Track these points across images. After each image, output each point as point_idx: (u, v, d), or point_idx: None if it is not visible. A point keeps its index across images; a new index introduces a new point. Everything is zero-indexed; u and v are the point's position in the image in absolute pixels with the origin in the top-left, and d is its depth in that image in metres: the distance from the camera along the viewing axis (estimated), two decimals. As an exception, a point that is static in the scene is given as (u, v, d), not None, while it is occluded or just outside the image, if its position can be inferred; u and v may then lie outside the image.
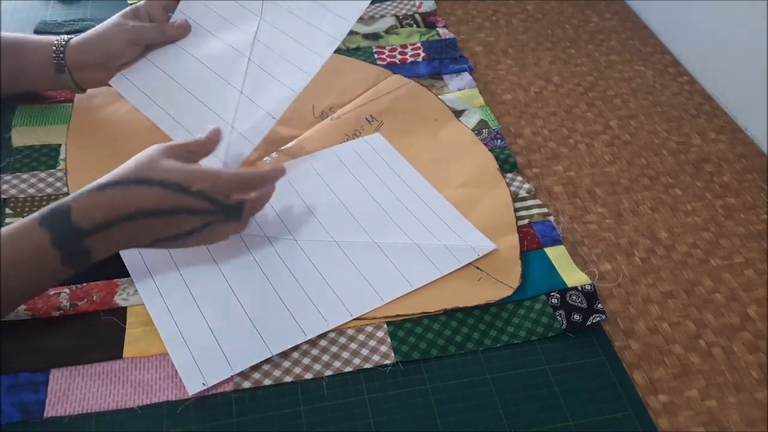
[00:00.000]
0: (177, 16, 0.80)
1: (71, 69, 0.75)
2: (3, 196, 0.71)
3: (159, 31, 0.78)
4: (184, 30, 0.79)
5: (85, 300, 0.62)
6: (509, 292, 0.65)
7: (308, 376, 0.58)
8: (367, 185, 0.74)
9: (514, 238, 0.69)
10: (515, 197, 0.74)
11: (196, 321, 0.61)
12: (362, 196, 0.73)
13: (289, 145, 0.79)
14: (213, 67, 0.76)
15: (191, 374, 0.58)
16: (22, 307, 0.61)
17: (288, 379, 0.58)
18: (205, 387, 0.57)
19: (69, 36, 0.76)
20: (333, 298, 0.64)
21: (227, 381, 0.58)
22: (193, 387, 0.57)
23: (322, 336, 0.61)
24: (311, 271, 0.66)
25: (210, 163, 0.68)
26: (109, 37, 0.75)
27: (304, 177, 0.75)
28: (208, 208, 0.58)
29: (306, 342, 0.61)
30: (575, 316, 0.63)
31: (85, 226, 0.55)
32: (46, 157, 0.76)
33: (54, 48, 0.75)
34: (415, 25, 0.98)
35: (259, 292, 0.64)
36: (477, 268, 0.67)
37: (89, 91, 0.82)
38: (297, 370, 0.59)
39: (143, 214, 0.56)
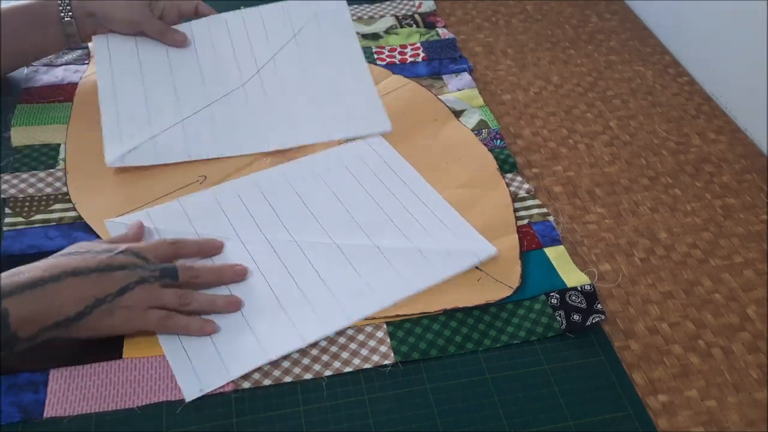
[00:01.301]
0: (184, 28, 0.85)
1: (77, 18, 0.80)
2: (2, 196, 0.71)
3: (160, 32, 0.83)
4: (180, 43, 0.83)
5: (85, 300, 0.62)
6: (509, 293, 0.65)
7: (308, 376, 0.58)
8: (369, 187, 0.74)
9: (514, 239, 0.69)
10: (515, 197, 0.74)
11: None
12: (363, 199, 0.73)
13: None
14: (179, 82, 0.81)
15: (189, 380, 0.57)
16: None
17: (287, 379, 0.58)
18: (203, 393, 0.57)
19: None
20: (332, 303, 0.63)
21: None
22: (190, 393, 0.57)
23: (322, 336, 0.61)
24: (311, 275, 0.65)
25: (110, 150, 0.74)
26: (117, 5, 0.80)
27: (304, 178, 0.75)
28: (136, 263, 0.58)
29: (306, 342, 0.61)
30: (575, 316, 0.63)
31: (5, 289, 0.52)
32: (45, 156, 0.76)
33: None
34: (414, 26, 0.99)
35: (257, 295, 0.63)
36: (477, 268, 0.67)
37: (89, 90, 0.82)
38: (296, 370, 0.59)
39: (69, 272, 0.55)
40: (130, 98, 0.79)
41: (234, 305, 0.61)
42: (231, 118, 0.79)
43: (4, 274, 0.54)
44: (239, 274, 0.63)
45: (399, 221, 0.71)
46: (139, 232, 0.66)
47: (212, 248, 0.66)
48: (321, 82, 0.84)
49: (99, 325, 0.56)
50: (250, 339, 0.60)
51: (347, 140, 0.79)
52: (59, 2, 0.78)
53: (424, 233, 0.69)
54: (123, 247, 0.59)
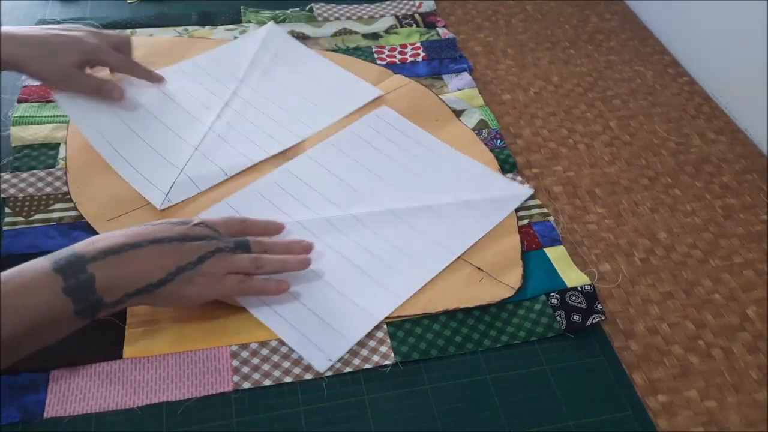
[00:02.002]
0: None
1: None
2: (2, 195, 0.71)
3: (96, 88, 0.77)
4: (117, 98, 0.78)
5: (85, 300, 0.62)
6: (510, 293, 0.65)
7: (308, 376, 0.59)
8: (392, 154, 0.78)
9: (516, 239, 0.69)
10: (515, 197, 0.75)
11: (293, 307, 0.62)
12: (392, 166, 0.76)
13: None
14: (168, 121, 0.79)
15: (315, 355, 0.59)
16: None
17: (288, 379, 0.58)
18: (331, 363, 0.59)
19: None
20: (410, 262, 0.66)
21: (227, 381, 0.58)
22: (321, 365, 0.59)
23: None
24: (380, 242, 0.68)
25: (153, 196, 0.71)
26: (54, 72, 0.74)
27: (331, 157, 0.77)
28: (212, 234, 0.60)
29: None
30: (575, 316, 0.63)
31: (89, 254, 0.53)
32: (45, 156, 0.75)
33: None
34: (414, 25, 0.98)
35: (336, 268, 0.66)
36: (478, 268, 0.67)
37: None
38: (297, 370, 0.59)
39: (150, 240, 0.56)
40: (134, 149, 0.75)
41: (304, 263, 0.64)
42: (238, 130, 0.79)
43: (80, 242, 0.55)
44: (306, 249, 0.65)
45: (435, 181, 0.74)
46: None
47: (275, 229, 0.68)
48: (297, 83, 0.86)
49: (180, 292, 0.57)
50: (352, 307, 0.63)
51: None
52: None
53: (462, 187, 0.73)
54: (197, 220, 0.61)
